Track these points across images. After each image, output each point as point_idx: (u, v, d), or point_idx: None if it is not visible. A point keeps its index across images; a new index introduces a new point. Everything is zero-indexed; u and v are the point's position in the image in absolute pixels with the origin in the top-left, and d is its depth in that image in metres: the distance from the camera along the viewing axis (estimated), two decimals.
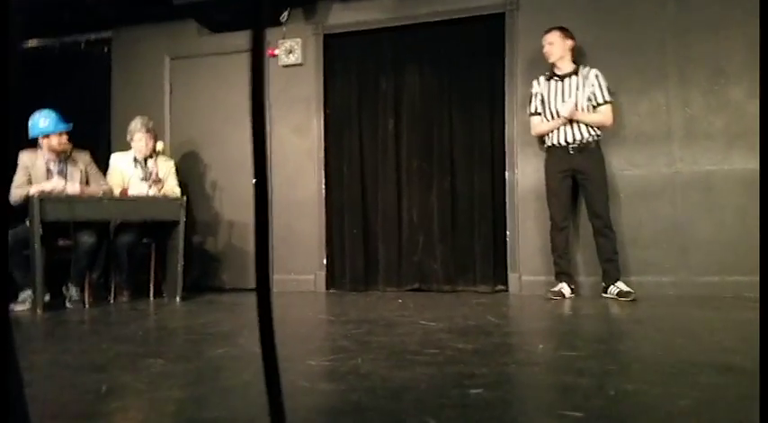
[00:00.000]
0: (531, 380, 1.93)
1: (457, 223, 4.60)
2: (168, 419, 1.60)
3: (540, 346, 2.47)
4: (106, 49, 5.40)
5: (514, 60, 4.40)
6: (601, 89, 3.90)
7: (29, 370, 2.21)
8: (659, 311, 3.36)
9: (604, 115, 3.92)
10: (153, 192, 4.38)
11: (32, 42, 5.52)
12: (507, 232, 4.43)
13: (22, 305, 3.88)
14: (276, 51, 4.88)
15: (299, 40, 4.85)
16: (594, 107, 3.92)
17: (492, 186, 4.53)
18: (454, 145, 4.61)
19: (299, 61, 4.86)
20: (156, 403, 1.73)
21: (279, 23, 4.86)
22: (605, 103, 3.91)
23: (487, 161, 4.53)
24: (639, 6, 4.14)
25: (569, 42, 3.96)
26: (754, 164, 3.91)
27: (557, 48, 3.95)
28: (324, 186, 4.85)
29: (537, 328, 3.05)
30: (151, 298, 4.44)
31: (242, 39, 4.96)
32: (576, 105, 3.89)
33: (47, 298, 3.99)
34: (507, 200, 4.43)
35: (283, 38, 4.88)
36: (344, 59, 4.86)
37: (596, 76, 3.92)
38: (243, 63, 4.99)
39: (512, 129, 4.40)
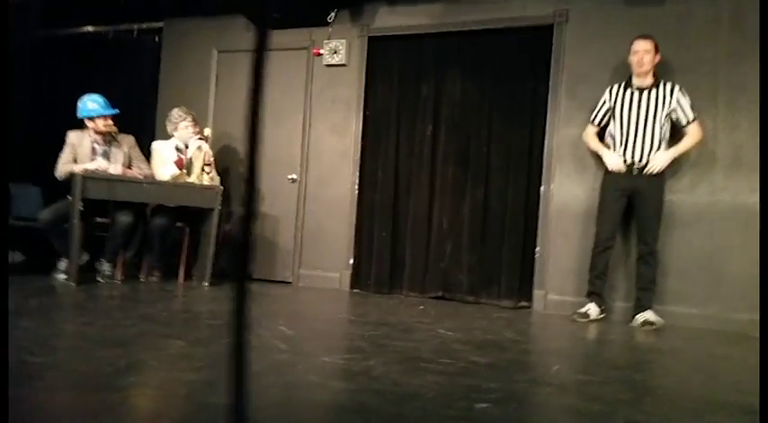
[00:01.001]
0: (540, 400, 1.91)
1: (487, 234, 4.56)
2: (179, 401, 1.65)
3: (556, 366, 2.44)
4: (157, 39, 5.56)
5: (560, 74, 4.34)
6: (686, 108, 3.78)
7: (55, 338, 2.30)
8: (684, 344, 3.27)
9: (694, 137, 3.80)
10: (206, 179, 4.50)
11: (87, 28, 5.72)
12: (537, 248, 4.37)
13: (63, 274, 4.05)
14: (321, 51, 4.95)
15: (344, 40, 4.90)
16: (681, 127, 3.81)
17: (526, 200, 4.47)
18: (491, 155, 4.57)
19: (343, 62, 4.91)
20: (169, 383, 1.78)
21: (325, 24, 4.92)
22: (693, 120, 3.79)
23: (524, 174, 4.48)
24: (693, 27, 4.02)
25: (658, 56, 3.83)
26: None
27: (651, 58, 3.78)
28: (357, 187, 4.88)
29: (555, 348, 3.01)
30: (180, 280, 4.55)
31: (289, 37, 5.05)
32: (655, 122, 3.78)
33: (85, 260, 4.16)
34: (540, 215, 4.37)
35: (329, 38, 4.94)
36: (387, 63, 4.89)
37: (680, 93, 3.78)
38: (288, 60, 5.09)
39: (551, 143, 4.34)
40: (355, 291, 4.82)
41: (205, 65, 5.36)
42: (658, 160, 3.78)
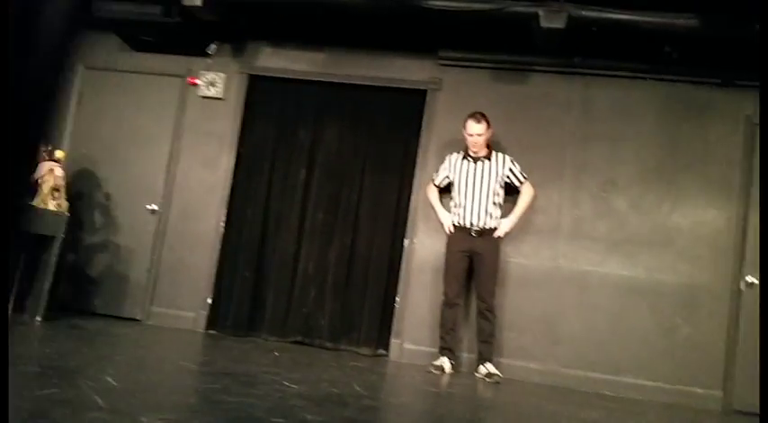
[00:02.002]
0: None
1: (351, 281, 4.60)
2: None
3: None
4: None
5: (430, 136, 4.57)
6: (517, 174, 4.14)
7: None
8: (518, 399, 3.47)
9: (529, 194, 4.17)
10: (51, 205, 4.13)
11: None
12: (397, 299, 4.47)
13: None
14: (197, 81, 4.82)
15: (222, 74, 4.82)
16: (517, 187, 4.15)
17: (391, 251, 4.58)
18: (361, 204, 4.66)
19: (220, 95, 4.82)
20: None
21: (205, 54, 4.83)
22: (525, 180, 4.16)
23: (390, 226, 4.60)
24: (548, 109, 4.45)
25: (491, 131, 4.13)
26: (627, 271, 4.20)
27: (484, 139, 4.10)
28: (223, 223, 4.74)
29: (395, 403, 3.06)
30: (9, 312, 4.10)
31: (164, 62, 4.89)
32: (489, 190, 4.08)
33: None
34: (403, 267, 4.50)
35: (207, 69, 4.84)
36: (267, 102, 4.87)
37: (511, 163, 4.15)
38: (161, 86, 4.90)
39: (417, 200, 4.52)
40: (211, 332, 4.62)
41: (69, 80, 5.01)
42: (505, 225, 4.11)
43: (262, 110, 4.87)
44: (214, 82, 4.82)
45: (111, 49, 4.96)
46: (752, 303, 4.02)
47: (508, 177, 4.14)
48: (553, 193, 4.31)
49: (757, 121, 4.20)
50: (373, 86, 4.69)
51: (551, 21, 3.73)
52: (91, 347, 3.35)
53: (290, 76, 4.81)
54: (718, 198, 4.19)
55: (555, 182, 4.33)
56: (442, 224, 4.26)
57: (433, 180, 4.33)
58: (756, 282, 4.03)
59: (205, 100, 4.85)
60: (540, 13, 3.74)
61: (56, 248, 4.00)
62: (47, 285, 3.97)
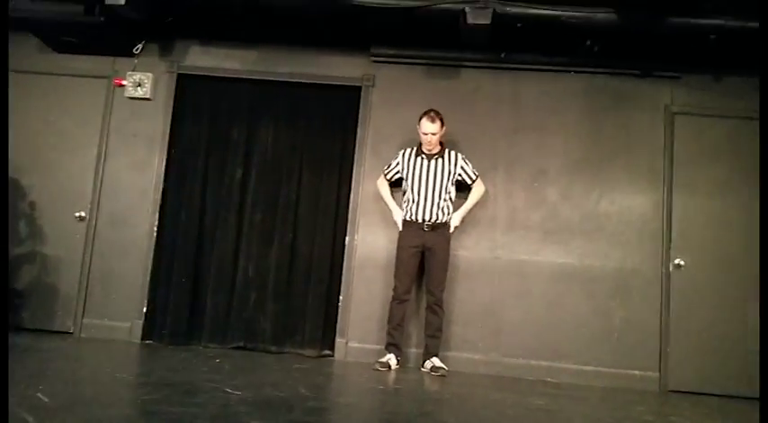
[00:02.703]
0: None
1: (293, 282, 4.55)
2: None
3: None
4: None
5: (366, 131, 4.57)
6: (469, 170, 4.22)
7: None
8: (464, 391, 3.53)
9: (479, 191, 4.27)
10: None
11: None
12: (340, 297, 4.46)
13: None
14: (124, 82, 4.64)
15: (150, 74, 4.65)
16: (469, 185, 4.23)
17: (332, 249, 4.56)
18: (300, 203, 4.61)
19: (148, 96, 4.65)
20: None
21: (131, 54, 4.64)
22: (476, 179, 4.24)
23: (330, 224, 4.58)
24: (480, 103, 4.55)
25: (444, 129, 4.15)
26: (562, 258, 4.35)
27: (438, 138, 4.13)
28: (156, 228, 4.59)
29: (341, 403, 3.05)
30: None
31: (88, 63, 4.69)
32: (441, 188, 4.13)
33: None
34: (345, 265, 4.49)
35: (134, 69, 4.66)
36: (198, 101, 4.73)
37: (463, 161, 4.22)
38: (86, 88, 4.69)
39: (357, 196, 4.52)
40: (147, 342, 4.46)
41: None
42: (454, 219, 4.19)
43: (193, 110, 4.73)
44: (141, 82, 4.64)
45: (30, 51, 4.69)
46: (681, 285, 4.25)
47: (460, 175, 4.20)
48: (489, 185, 4.39)
49: (676, 110, 4.44)
50: (307, 84, 4.65)
51: (477, 17, 3.81)
52: (19, 364, 3.16)
53: (221, 75, 4.69)
54: (643, 185, 4.40)
55: (490, 174, 4.42)
56: (394, 220, 4.26)
57: (384, 173, 4.32)
58: (683, 263, 4.26)
59: (132, 101, 4.67)
60: (467, 9, 3.81)
61: None
62: None
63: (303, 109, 4.68)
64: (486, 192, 4.33)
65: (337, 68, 4.63)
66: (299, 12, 4.07)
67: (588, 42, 4.20)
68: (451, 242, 4.29)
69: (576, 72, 4.51)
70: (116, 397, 2.75)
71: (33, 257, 4.59)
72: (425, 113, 4.11)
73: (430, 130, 4.10)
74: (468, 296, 4.35)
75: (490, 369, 4.23)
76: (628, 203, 4.40)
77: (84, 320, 4.51)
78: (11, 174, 4.61)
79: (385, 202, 4.34)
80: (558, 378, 4.18)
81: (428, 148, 4.17)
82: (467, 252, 4.39)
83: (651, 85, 4.48)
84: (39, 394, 2.48)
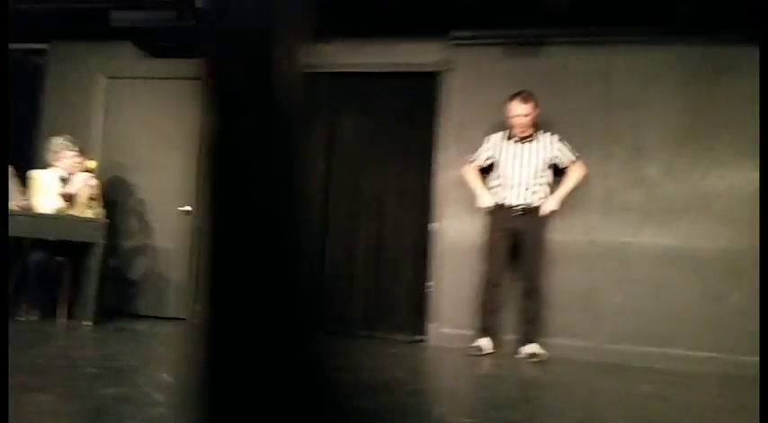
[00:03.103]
0: None
1: (380, 270, 4.62)
2: None
3: (438, 409, 2.49)
4: (41, 62, 5.24)
5: (448, 117, 4.53)
6: (566, 153, 4.07)
7: None
8: (565, 378, 3.45)
9: (578, 173, 4.09)
10: (88, 212, 4.26)
11: None
12: (430, 283, 4.48)
13: None
14: None
15: None
16: (562, 169, 4.09)
17: (418, 237, 4.58)
18: (384, 193, 4.66)
19: None
20: None
21: None
22: (575, 160, 4.08)
23: (416, 211, 4.59)
24: (567, 80, 4.36)
25: (537, 110, 4.03)
26: (665, 240, 4.13)
27: (530, 120, 3.99)
28: None
29: (441, 387, 3.08)
30: (61, 319, 4.24)
31: (183, 65, 4.93)
32: (534, 172, 4.02)
33: None
34: (432, 251, 4.50)
35: None
36: None
37: (559, 142, 4.07)
38: (183, 90, 4.95)
39: (441, 182, 4.51)
40: None
41: (93, 91, 5.09)
42: (550, 203, 4.05)
43: None
44: None
45: (130, 58, 5.02)
46: None
47: (557, 158, 4.07)
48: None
49: None
50: (385, 73, 4.66)
51: None
52: (142, 347, 3.45)
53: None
54: (753, 157, 4.07)
55: (581, 153, 4.24)
56: (479, 204, 4.19)
57: (472, 161, 4.24)
58: None
59: None
60: None
61: (97, 254, 4.11)
62: (92, 291, 4.08)
63: (382, 99, 4.72)
64: (587, 174, 4.14)
65: (415, 55, 4.61)
66: (374, 1, 4.08)
67: (685, 8, 3.92)
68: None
69: (672, 41, 4.23)
70: None
71: (144, 250, 4.95)
72: (514, 95, 4.01)
73: (520, 111, 3.99)
74: (563, 280, 4.23)
75: (591, 355, 4.10)
76: (737, 178, 4.09)
77: (196, 307, 4.82)
78: (119, 174, 4.98)
79: (472, 188, 4.24)
80: (665, 365, 3.98)
81: (519, 131, 4.06)
82: (560, 235, 4.26)
83: (756, 50, 4.12)
84: (164, 375, 2.69)
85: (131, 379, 2.56)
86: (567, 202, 4.23)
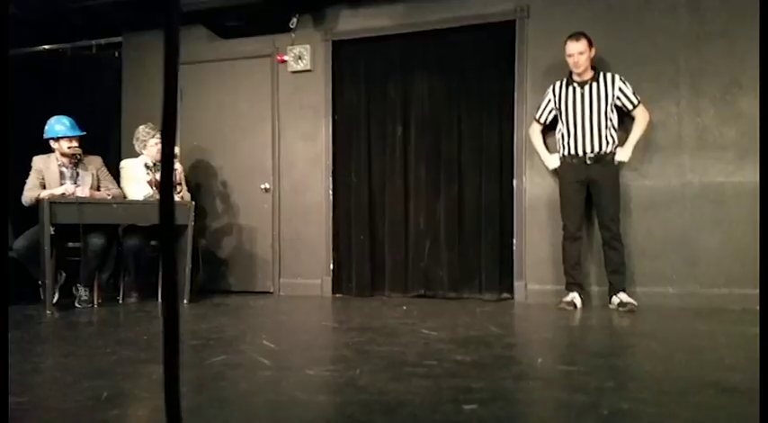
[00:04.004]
0: (526, 396, 1.93)
1: (463, 230, 4.59)
2: None
3: (540, 359, 2.46)
4: (117, 54, 5.46)
5: (524, 68, 4.38)
6: (629, 94, 3.89)
7: (34, 373, 2.25)
8: (663, 324, 3.33)
9: (644, 119, 3.93)
10: (176, 197, 4.45)
11: (43, 47, 5.58)
12: (514, 240, 4.41)
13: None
14: (285, 57, 4.91)
15: (307, 46, 4.87)
16: (628, 111, 3.92)
17: (500, 194, 4.51)
18: (462, 152, 4.60)
19: (308, 67, 4.88)
20: (154, 412, 1.75)
21: (287, 29, 4.89)
22: (638, 104, 3.91)
23: (495, 169, 4.52)
24: (652, 15, 4.10)
25: (593, 50, 3.91)
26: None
27: (586, 58, 3.87)
28: (331, 192, 4.87)
29: (538, 339, 3.04)
30: (159, 300, 4.48)
31: (252, 45, 5.02)
32: (600, 115, 3.88)
33: (56, 297, 4.10)
34: (515, 208, 4.42)
35: (292, 44, 4.91)
36: (353, 66, 4.88)
37: (621, 82, 3.90)
38: (253, 69, 5.05)
39: (521, 137, 4.39)
40: (337, 296, 4.81)
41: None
42: (622, 154, 3.92)
43: (349, 74, 4.88)
44: (301, 55, 4.88)
45: (201, 41, 5.14)
46: None
47: (619, 99, 3.89)
48: (670, 105, 4.01)
49: None
50: (458, 28, 4.54)
51: None
52: (239, 319, 3.59)
53: (372, 35, 4.76)
54: None
55: (670, 92, 4.02)
56: (548, 166, 4.14)
57: (535, 118, 4.16)
58: None
59: (295, 74, 4.94)
60: None
61: (188, 236, 4.29)
62: (187, 270, 4.28)
63: (456, 55, 4.61)
64: (651, 120, 3.95)
65: (486, 5, 4.46)
66: None
67: None
68: (628, 173, 4.02)
69: None
70: (329, 341, 3.02)
71: (231, 229, 5.13)
72: (569, 36, 3.90)
73: (576, 49, 3.85)
74: (655, 227, 4.05)
75: (686, 302, 3.94)
76: None
77: (282, 280, 4.98)
78: (201, 157, 5.16)
79: (536, 151, 4.19)
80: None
81: (577, 71, 3.90)
82: (650, 181, 4.07)
83: None
84: (264, 342, 2.80)
85: (236, 347, 2.68)
86: (653, 146, 4.04)
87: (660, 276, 4.03)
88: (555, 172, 4.16)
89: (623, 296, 3.85)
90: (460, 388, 1.92)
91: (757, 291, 3.78)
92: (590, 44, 3.88)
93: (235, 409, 1.75)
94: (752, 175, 3.89)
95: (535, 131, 4.19)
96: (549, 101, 4.06)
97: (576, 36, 3.88)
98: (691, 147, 4.01)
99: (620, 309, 3.77)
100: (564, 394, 1.89)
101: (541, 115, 4.13)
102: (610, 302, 3.92)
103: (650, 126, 3.98)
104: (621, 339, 3.00)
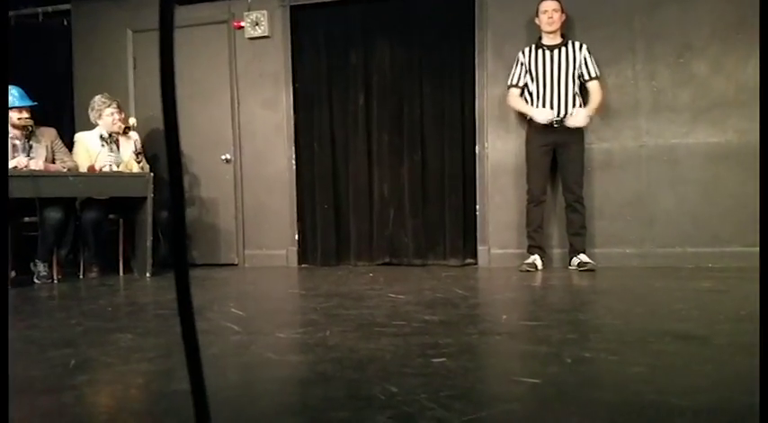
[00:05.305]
0: (492, 349, 1.99)
1: (427, 197, 4.63)
2: (136, 391, 1.62)
3: (504, 316, 2.53)
4: (66, 22, 5.22)
5: (484, 33, 4.39)
6: (591, 65, 3.96)
7: None
8: (622, 282, 3.47)
9: (599, 94, 3.99)
10: (136, 168, 4.34)
11: None
12: (477, 206, 4.48)
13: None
14: (242, 23, 4.79)
15: (264, 11, 4.75)
16: (584, 82, 3.98)
17: (462, 160, 4.55)
18: (425, 119, 4.61)
19: (266, 34, 4.77)
20: (124, 376, 1.74)
21: None
22: (596, 78, 3.97)
23: (458, 135, 4.55)
24: None
25: (564, 15, 3.97)
26: (717, 137, 4.01)
27: (560, 17, 3.93)
28: (294, 161, 4.82)
29: (502, 299, 3.12)
30: (121, 274, 4.41)
31: (207, 10, 4.88)
32: (568, 79, 3.94)
33: (13, 274, 3.97)
34: (477, 174, 4.47)
35: (248, 10, 4.79)
36: (312, 32, 4.79)
37: (588, 52, 3.96)
38: (208, 36, 4.90)
39: (482, 103, 4.42)
40: (303, 266, 4.81)
41: (120, 47, 5.09)
42: (579, 118, 3.95)
43: (309, 41, 4.80)
44: (258, 21, 4.77)
45: (153, 8, 4.93)
46: None
47: (581, 66, 3.97)
48: (626, 69, 4.10)
49: None
50: None
51: None
52: (205, 290, 3.56)
53: (331, 0, 4.68)
54: None
55: (626, 55, 4.10)
56: (532, 119, 4.03)
57: (511, 84, 4.13)
58: None
59: (253, 41, 4.83)
60: None
61: (148, 208, 4.20)
62: (148, 243, 4.20)
63: (416, 21, 4.58)
64: (603, 99, 4.02)
65: None
66: None
67: None
68: (589, 135, 4.10)
69: None
70: (297, 306, 3.03)
71: (193, 201, 5.04)
72: None
73: (551, 6, 3.93)
74: (612, 189, 4.18)
75: (643, 261, 4.09)
76: None
77: (246, 252, 4.94)
78: (157, 127, 5.02)
79: (522, 111, 4.15)
80: (721, 263, 3.95)
81: (550, 29, 3.95)
82: (607, 143, 4.17)
83: None
84: (233, 309, 2.79)
85: (203, 315, 2.67)
86: (610, 110, 4.13)
87: (618, 237, 4.16)
88: (520, 137, 4.21)
89: (583, 257, 3.97)
90: (429, 344, 1.96)
91: (710, 249, 3.99)
92: (562, 8, 3.94)
93: (207, 372, 1.74)
94: (704, 137, 4.03)
95: (515, 96, 4.14)
96: (522, 64, 4.08)
97: None
98: (646, 110, 4.12)
99: (581, 269, 3.89)
100: (528, 346, 1.96)
101: (519, 79, 4.11)
102: (570, 264, 4.04)
103: (602, 103, 4.04)
104: (582, 296, 3.11)
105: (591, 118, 4.00)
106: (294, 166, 4.82)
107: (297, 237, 4.84)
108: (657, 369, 1.64)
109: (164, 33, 0.58)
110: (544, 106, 3.98)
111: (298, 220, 4.84)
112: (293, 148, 4.82)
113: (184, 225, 0.66)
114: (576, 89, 3.98)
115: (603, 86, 4.03)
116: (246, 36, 4.82)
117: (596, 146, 4.16)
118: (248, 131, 4.90)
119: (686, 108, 4.06)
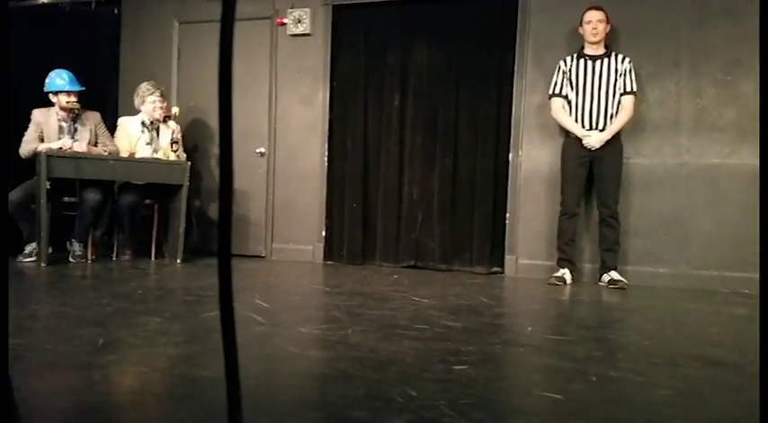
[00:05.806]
0: (515, 360, 1.97)
1: (457, 202, 4.60)
2: (161, 375, 1.65)
3: (529, 328, 2.50)
4: (116, 11, 5.35)
5: (526, 40, 4.34)
6: (631, 79, 3.87)
7: (31, 319, 2.26)
8: (653, 302, 3.39)
9: (629, 111, 3.88)
10: (172, 156, 4.43)
11: (41, 0, 5.45)
12: (507, 214, 4.43)
13: (28, 257, 3.97)
14: (285, 20, 4.84)
15: (307, 9, 4.79)
16: (620, 95, 3.89)
17: (495, 167, 4.50)
18: (459, 123, 4.58)
19: (308, 31, 4.81)
20: (149, 358, 1.77)
21: None
22: (631, 93, 3.88)
23: (492, 142, 4.51)
24: None
25: (609, 26, 3.91)
26: (758, 160, 3.89)
27: (604, 27, 3.88)
28: (326, 158, 4.85)
29: (528, 311, 3.08)
30: (152, 258, 4.50)
31: (251, 6, 4.92)
32: (609, 90, 3.88)
33: (50, 251, 4.09)
34: (509, 182, 4.42)
35: (292, 7, 4.83)
36: (353, 31, 4.81)
37: (630, 64, 3.88)
38: (251, 31, 4.96)
39: (519, 111, 4.37)
40: (328, 263, 4.83)
41: (166, 37, 5.19)
42: (592, 141, 3.87)
43: (349, 40, 4.82)
44: (300, 18, 4.81)
45: (200, 2, 5.05)
46: None
47: (621, 76, 3.88)
48: (670, 84, 4.00)
49: None
50: None
51: None
52: (232, 280, 3.60)
53: (373, 0, 4.70)
54: None
55: (670, 70, 4.00)
56: (590, 144, 3.91)
57: (554, 93, 4.03)
58: None
59: (294, 38, 4.87)
60: None
61: (183, 196, 4.28)
62: (181, 230, 4.28)
63: (457, 25, 4.55)
64: (634, 117, 3.92)
65: None
66: None
67: None
68: (625, 149, 4.02)
69: None
70: (320, 303, 3.04)
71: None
72: (588, 7, 3.90)
73: (595, 17, 3.86)
74: (649, 206, 4.08)
75: (676, 282, 3.99)
76: None
77: (274, 245, 4.99)
78: (197, 117, 5.11)
79: (569, 128, 3.99)
80: (758, 290, 3.82)
81: (594, 40, 3.87)
82: (646, 159, 4.08)
83: None
84: (257, 301, 2.82)
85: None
86: (650, 125, 4.05)
87: (652, 256, 4.07)
88: (555, 147, 4.15)
89: (614, 274, 3.89)
90: (450, 350, 1.95)
91: (747, 274, 3.84)
92: (608, 18, 3.89)
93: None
94: (748, 158, 3.91)
95: (560, 109, 4.02)
96: (563, 73, 4.01)
97: (596, 6, 3.90)
98: (688, 127, 4.01)
99: (611, 286, 3.81)
100: (552, 361, 1.93)
101: (561, 88, 4.02)
102: (600, 280, 3.96)
103: (631, 122, 3.95)
104: (611, 314, 3.05)
105: (635, 126, 3.93)
106: (326, 163, 4.85)
107: (324, 233, 4.87)
108: (685, 394, 1.59)
109: (224, 29, 0.58)
110: (583, 118, 3.92)
111: (326, 217, 4.87)
112: (326, 144, 4.85)
113: (230, 216, 0.67)
114: (617, 102, 3.91)
115: (639, 103, 3.95)
116: (288, 33, 4.87)
117: (635, 161, 4.08)
118: (283, 126, 4.95)
119: (731, 127, 3.94)
